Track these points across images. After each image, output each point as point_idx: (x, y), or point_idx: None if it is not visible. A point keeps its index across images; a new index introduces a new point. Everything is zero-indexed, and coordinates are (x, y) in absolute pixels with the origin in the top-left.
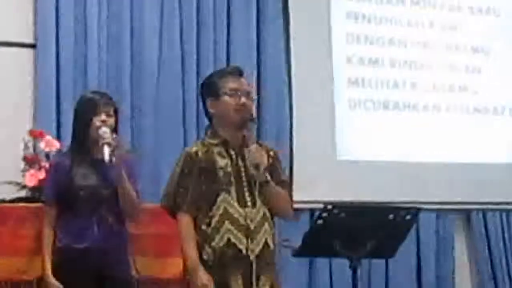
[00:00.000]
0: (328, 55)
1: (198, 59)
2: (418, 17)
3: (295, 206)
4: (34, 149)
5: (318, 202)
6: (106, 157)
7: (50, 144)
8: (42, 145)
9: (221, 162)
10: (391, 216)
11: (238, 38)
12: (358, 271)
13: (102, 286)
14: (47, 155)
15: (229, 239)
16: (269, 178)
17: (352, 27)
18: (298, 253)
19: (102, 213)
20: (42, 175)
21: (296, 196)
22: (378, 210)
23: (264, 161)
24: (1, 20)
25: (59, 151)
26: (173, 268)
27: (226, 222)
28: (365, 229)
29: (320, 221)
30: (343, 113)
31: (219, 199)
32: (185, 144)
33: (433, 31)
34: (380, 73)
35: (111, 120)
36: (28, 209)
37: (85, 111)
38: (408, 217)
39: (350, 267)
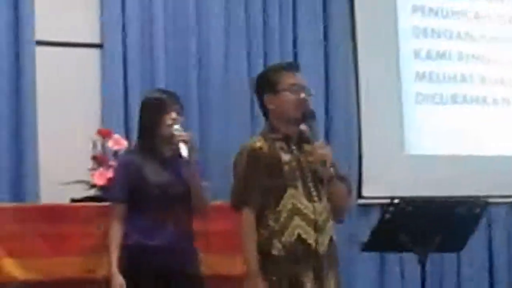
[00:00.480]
0: (395, 49)
1: (265, 59)
2: (485, 10)
3: (365, 201)
4: (103, 148)
5: (387, 197)
6: (185, 154)
7: (118, 142)
8: (110, 144)
9: (285, 157)
10: (458, 210)
11: (304, 36)
12: (427, 265)
13: (171, 284)
14: (115, 154)
15: (299, 235)
16: (334, 174)
17: (418, 21)
18: (366, 248)
19: (176, 210)
20: (110, 174)
21: (365, 191)
22: (445, 204)
23: (331, 157)
24: (68, 21)
25: (127, 149)
26: (241, 265)
27: (296, 217)
28: (433, 222)
29: (387, 216)
30: (411, 107)
31: (286, 195)
32: None
33: (500, 24)
34: (448, 67)
35: (181, 118)
36: (97, 208)
37: (155, 110)
38: (476, 210)
39: (419, 261)
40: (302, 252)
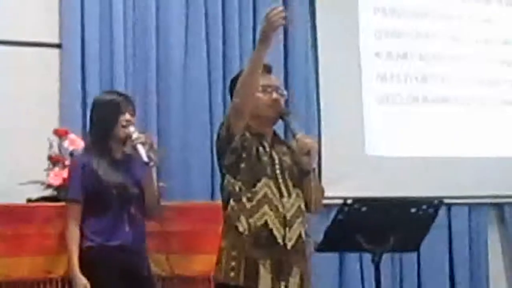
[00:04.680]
0: (356, 50)
1: (224, 53)
2: (447, 10)
3: (325, 202)
4: (59, 148)
5: (347, 198)
6: (144, 157)
7: (74, 142)
8: (66, 144)
9: (261, 150)
10: (413, 210)
11: None
12: (387, 265)
13: (127, 284)
14: (72, 154)
15: (266, 223)
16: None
17: (380, 22)
18: (320, 248)
19: (131, 211)
20: (66, 174)
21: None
22: (399, 204)
23: (316, 147)
24: (27, 20)
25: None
26: (199, 265)
27: (266, 206)
28: (388, 223)
29: (340, 216)
30: (371, 108)
31: (262, 181)
32: (212, 142)
33: (462, 24)
34: (409, 67)
35: (134, 119)
36: (54, 208)
37: (109, 111)
38: (430, 210)
39: (372, 261)
40: (265, 240)
